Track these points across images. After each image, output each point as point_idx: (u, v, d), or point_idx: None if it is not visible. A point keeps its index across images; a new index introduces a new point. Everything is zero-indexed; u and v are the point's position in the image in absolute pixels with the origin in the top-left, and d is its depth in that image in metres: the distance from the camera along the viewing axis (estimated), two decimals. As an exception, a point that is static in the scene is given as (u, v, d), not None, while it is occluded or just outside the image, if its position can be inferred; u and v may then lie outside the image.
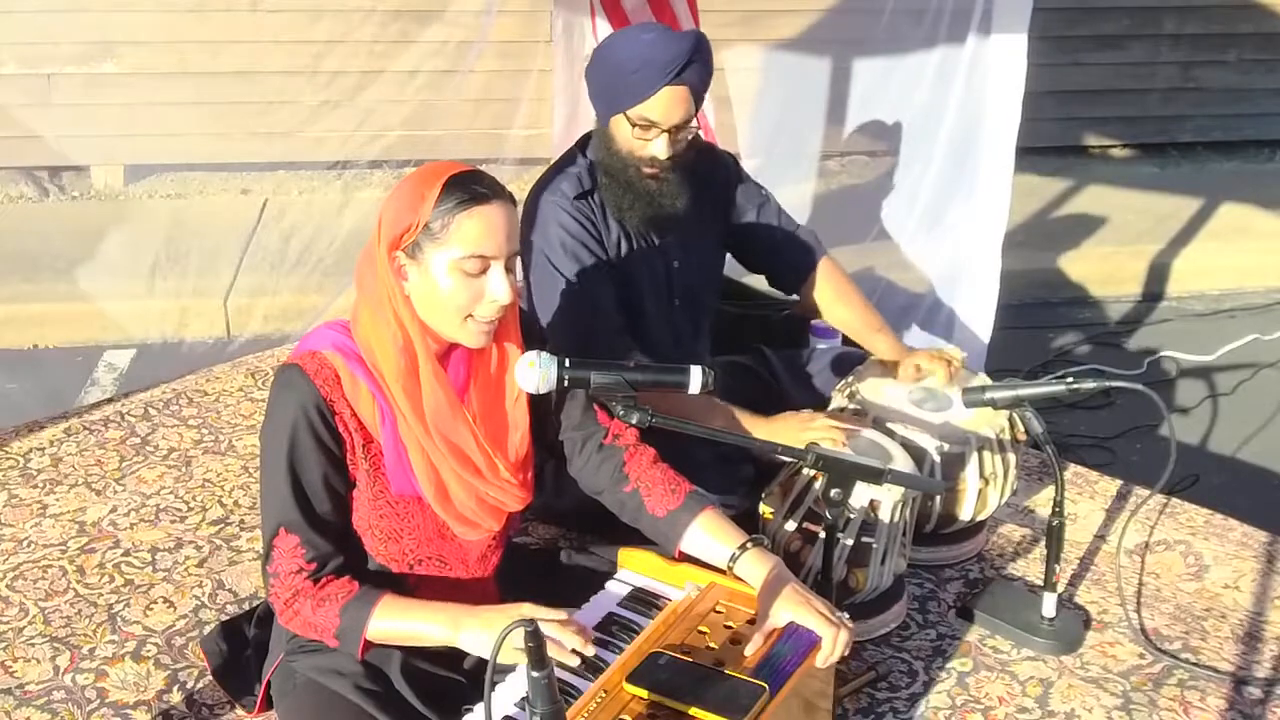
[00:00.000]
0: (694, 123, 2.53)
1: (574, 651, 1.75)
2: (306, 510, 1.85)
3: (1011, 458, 2.63)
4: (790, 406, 2.56)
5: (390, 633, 1.86)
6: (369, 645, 1.86)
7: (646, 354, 2.55)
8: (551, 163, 2.73)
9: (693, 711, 1.71)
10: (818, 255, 2.87)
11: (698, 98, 2.52)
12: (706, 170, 2.72)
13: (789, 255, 2.86)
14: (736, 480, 2.60)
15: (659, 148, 2.49)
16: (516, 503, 1.98)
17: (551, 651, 1.73)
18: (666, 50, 2.44)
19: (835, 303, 2.85)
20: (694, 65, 2.46)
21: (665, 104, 2.45)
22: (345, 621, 1.85)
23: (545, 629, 1.67)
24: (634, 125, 2.48)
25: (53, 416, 3.24)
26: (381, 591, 1.87)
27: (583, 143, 2.68)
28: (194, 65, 5.47)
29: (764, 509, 2.41)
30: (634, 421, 1.95)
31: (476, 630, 1.81)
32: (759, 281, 3.05)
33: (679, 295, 2.74)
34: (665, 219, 2.60)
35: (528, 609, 1.81)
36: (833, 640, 1.84)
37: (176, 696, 2.24)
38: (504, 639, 1.51)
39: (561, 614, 1.83)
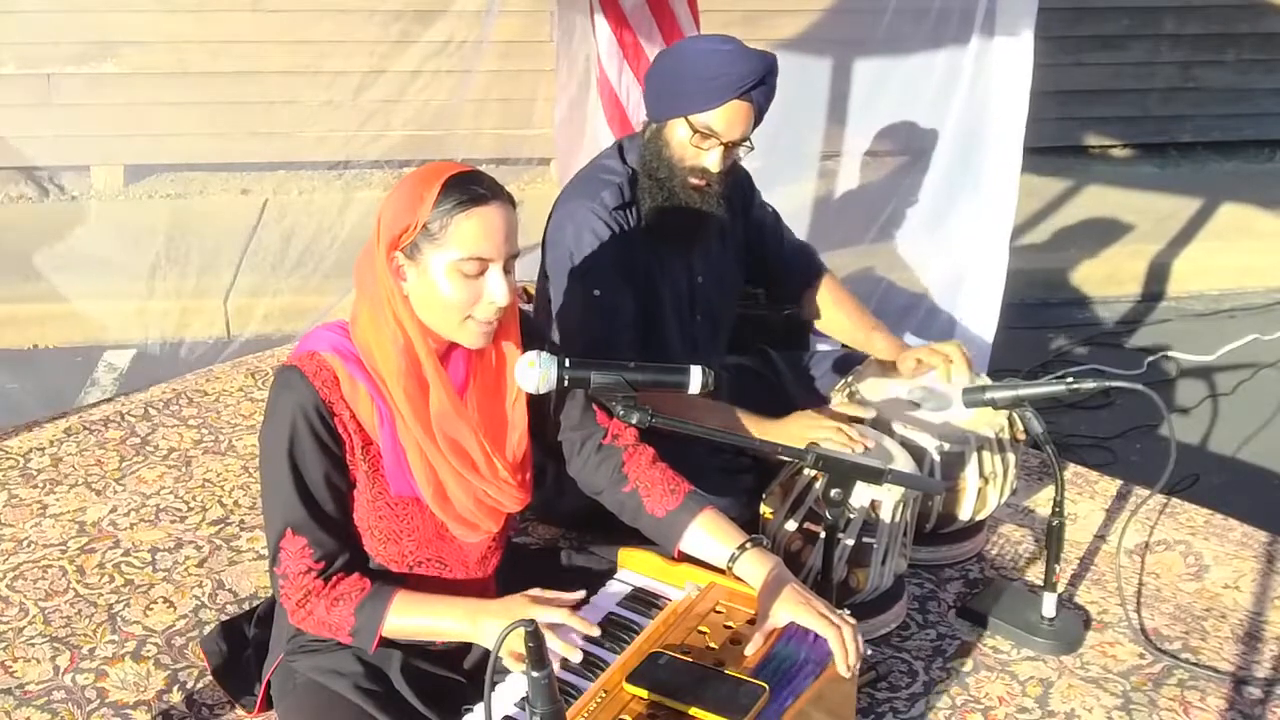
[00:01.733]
0: (749, 143, 2.51)
1: (577, 640, 1.79)
2: (312, 510, 1.86)
3: (1011, 457, 2.63)
4: (794, 408, 2.56)
5: (406, 629, 1.88)
6: (383, 641, 1.88)
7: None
8: (587, 164, 2.69)
9: (693, 711, 1.71)
10: (819, 269, 2.88)
11: (758, 118, 2.50)
12: (730, 187, 2.71)
13: (793, 269, 2.87)
14: (737, 489, 2.59)
15: (712, 160, 2.48)
16: (514, 503, 1.98)
17: (553, 645, 1.75)
18: (745, 64, 2.43)
19: (830, 308, 2.86)
20: (764, 86, 2.46)
21: (730, 117, 2.44)
22: (360, 620, 1.86)
23: (545, 628, 1.69)
24: (695, 132, 2.46)
25: (53, 416, 3.24)
26: (394, 588, 1.89)
27: (621, 147, 2.65)
28: (194, 65, 5.46)
29: (764, 509, 2.41)
30: (634, 421, 1.95)
31: (494, 623, 1.83)
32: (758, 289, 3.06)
33: (701, 310, 2.73)
34: (695, 232, 2.58)
35: (535, 593, 1.85)
36: (837, 639, 1.84)
37: (176, 696, 2.24)
38: (504, 639, 1.51)
39: (570, 599, 1.87)
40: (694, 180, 2.50)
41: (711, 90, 2.43)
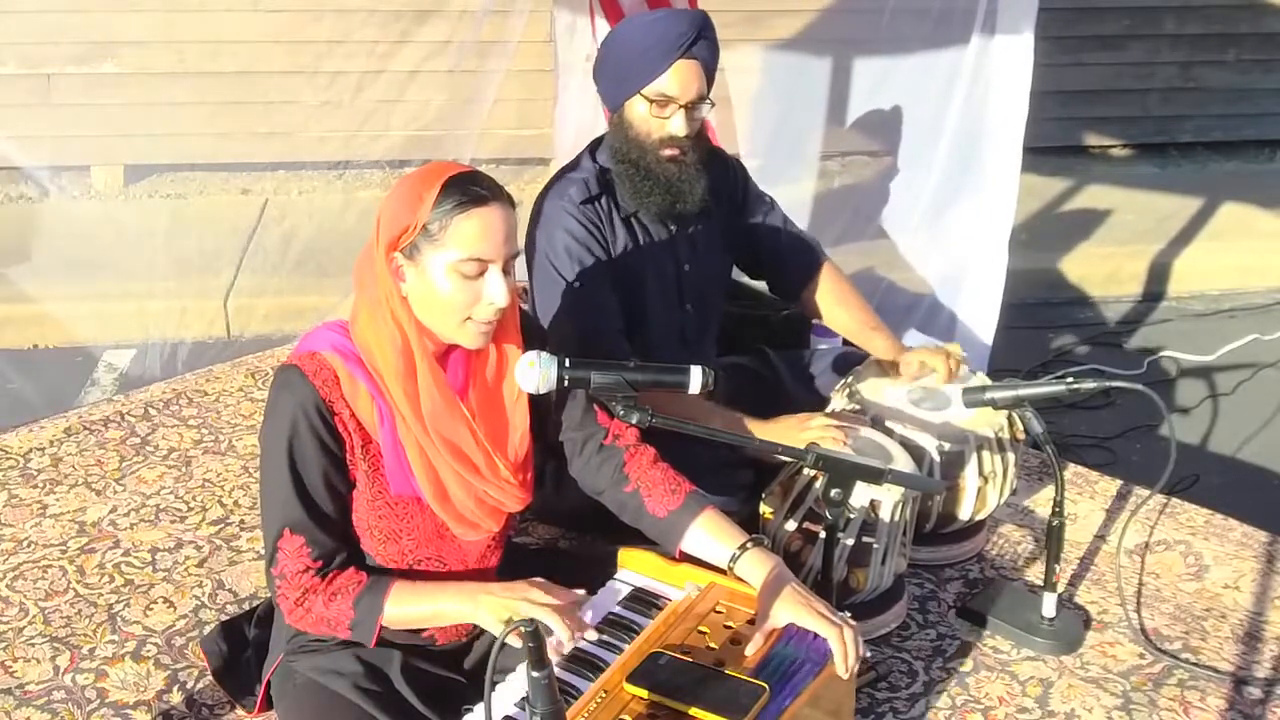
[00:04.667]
0: (709, 100, 2.53)
1: (574, 635, 1.80)
2: (311, 509, 1.86)
3: (1011, 457, 2.63)
4: (793, 407, 2.56)
5: (406, 616, 1.88)
6: (383, 639, 1.88)
7: (653, 357, 2.54)
8: (560, 166, 2.72)
9: (693, 711, 1.71)
10: (820, 260, 2.87)
11: (709, 75, 2.52)
12: (716, 172, 2.71)
13: (792, 261, 2.86)
14: (735, 485, 2.59)
15: (677, 125, 2.49)
16: (516, 503, 1.98)
17: (559, 632, 1.77)
18: (676, 25, 2.46)
19: (833, 305, 2.85)
20: (703, 40, 2.48)
21: (680, 78, 2.46)
22: (359, 613, 1.86)
23: (541, 616, 1.73)
24: (651, 103, 2.47)
25: (53, 416, 3.24)
26: (391, 579, 1.89)
27: (592, 147, 2.67)
28: (194, 65, 5.46)
29: (764, 509, 2.41)
30: (634, 421, 1.95)
31: (495, 602, 1.83)
32: (759, 281, 3.05)
33: (689, 299, 2.74)
34: (684, 207, 2.59)
35: (540, 581, 1.86)
36: (838, 640, 1.84)
37: (176, 696, 2.24)
38: (504, 639, 1.51)
39: (572, 595, 1.87)
40: (667, 152, 2.51)
41: (654, 58, 2.45)
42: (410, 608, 1.87)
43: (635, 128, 2.51)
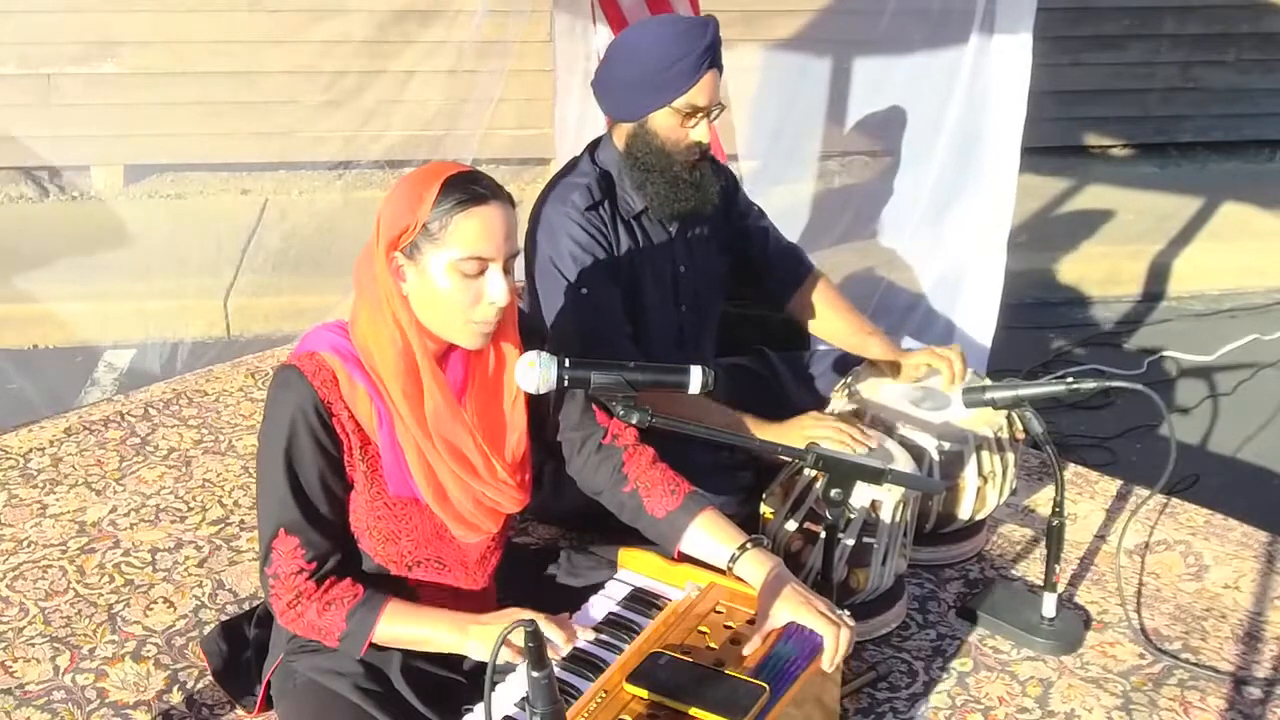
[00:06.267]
0: (721, 102, 2.56)
1: (569, 639, 1.82)
2: (306, 510, 1.86)
3: (1010, 456, 2.63)
4: (793, 408, 2.56)
5: (396, 637, 1.88)
6: (372, 647, 1.88)
7: (650, 358, 2.55)
8: (559, 169, 2.72)
9: (693, 711, 1.71)
10: (808, 267, 2.88)
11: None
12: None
13: (780, 265, 2.87)
14: (735, 486, 2.59)
15: (701, 132, 2.52)
16: (513, 504, 1.98)
17: (553, 636, 1.77)
18: (703, 37, 2.48)
19: (825, 310, 2.86)
20: (719, 47, 2.52)
21: (709, 88, 2.49)
22: (351, 626, 1.86)
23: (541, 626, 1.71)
24: (681, 114, 2.50)
25: (53, 416, 3.24)
26: (386, 597, 1.88)
27: (592, 149, 2.67)
28: (194, 65, 5.47)
29: (765, 509, 2.41)
30: (634, 421, 1.95)
31: (483, 634, 1.83)
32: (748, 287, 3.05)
33: (685, 300, 2.74)
34: (704, 208, 2.62)
35: (527, 611, 1.85)
36: (834, 639, 1.84)
37: (176, 696, 2.24)
38: (503, 639, 1.51)
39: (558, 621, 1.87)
40: (692, 158, 2.55)
41: (683, 72, 2.46)
42: (402, 628, 1.87)
43: (661, 137, 2.52)
